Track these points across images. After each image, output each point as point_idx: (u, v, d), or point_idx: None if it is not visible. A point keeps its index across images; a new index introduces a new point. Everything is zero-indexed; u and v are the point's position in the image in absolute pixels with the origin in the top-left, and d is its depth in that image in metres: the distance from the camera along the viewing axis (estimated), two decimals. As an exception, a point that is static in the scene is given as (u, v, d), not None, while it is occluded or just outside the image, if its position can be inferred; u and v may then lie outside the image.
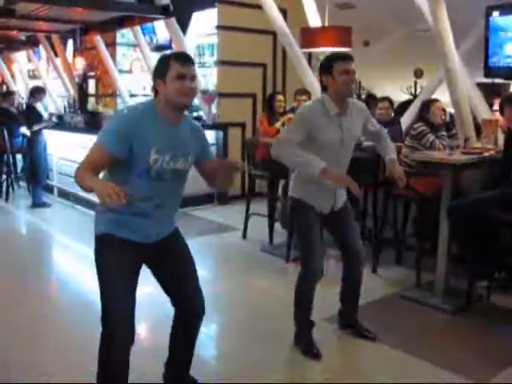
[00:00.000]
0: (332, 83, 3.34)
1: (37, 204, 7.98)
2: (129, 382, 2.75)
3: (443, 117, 5.22)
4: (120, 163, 2.50)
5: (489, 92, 7.15)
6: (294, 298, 3.62)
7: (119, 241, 2.61)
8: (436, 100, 5.35)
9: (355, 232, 3.70)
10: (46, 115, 9.66)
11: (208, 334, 4.04)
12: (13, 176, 8.73)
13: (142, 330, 3.94)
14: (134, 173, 2.52)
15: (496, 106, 7.02)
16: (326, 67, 3.36)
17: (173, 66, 2.49)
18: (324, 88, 3.43)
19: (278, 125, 6.17)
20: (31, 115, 8.06)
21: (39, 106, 8.36)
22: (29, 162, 8.38)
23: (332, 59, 3.36)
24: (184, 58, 2.54)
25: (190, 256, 2.85)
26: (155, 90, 2.58)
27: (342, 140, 3.38)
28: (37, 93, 8.27)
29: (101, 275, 2.64)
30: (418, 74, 10.96)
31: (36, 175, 8.10)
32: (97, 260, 2.66)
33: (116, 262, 2.62)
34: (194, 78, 2.53)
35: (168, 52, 2.50)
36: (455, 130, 5.31)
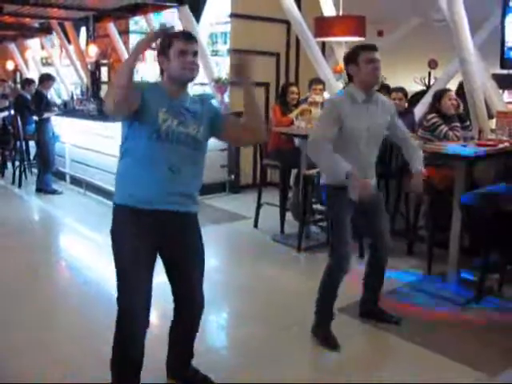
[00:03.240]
0: (358, 72, 3.40)
1: (46, 190, 8.02)
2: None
3: (457, 107, 5.17)
4: (134, 124, 2.60)
5: (504, 83, 7.07)
6: (318, 288, 3.63)
7: (128, 211, 2.64)
8: (448, 90, 5.28)
9: (385, 222, 3.72)
10: (58, 102, 9.72)
11: (218, 323, 4.06)
12: (25, 163, 8.77)
13: (155, 316, 3.97)
14: (145, 135, 2.59)
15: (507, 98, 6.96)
16: (352, 57, 3.42)
17: (176, 42, 2.61)
18: (350, 78, 3.50)
19: (292, 115, 6.12)
20: (40, 102, 8.07)
21: (48, 93, 8.37)
22: (38, 149, 8.39)
23: (357, 49, 3.42)
24: (187, 35, 2.67)
25: (201, 248, 2.83)
26: (161, 69, 2.70)
27: (369, 128, 3.42)
28: (46, 80, 8.27)
29: (114, 253, 2.68)
30: (432, 64, 10.86)
31: (46, 162, 8.12)
32: (111, 230, 2.72)
33: (125, 237, 2.65)
34: (195, 53, 2.65)
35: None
36: (468, 122, 5.26)
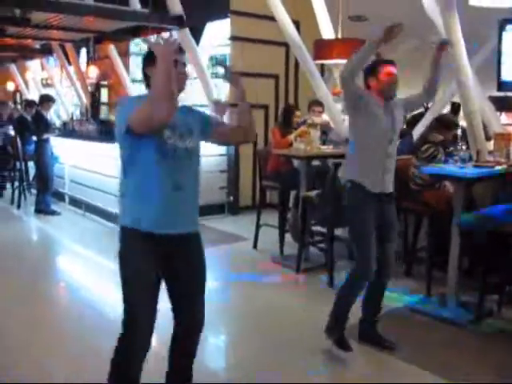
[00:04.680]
0: (376, 84, 3.62)
1: (45, 211, 8.02)
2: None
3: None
4: (139, 142, 2.55)
5: (501, 105, 7.13)
6: (338, 292, 3.75)
7: (139, 235, 2.61)
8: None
9: (393, 249, 3.79)
10: (58, 123, 9.76)
11: (217, 345, 4.05)
12: (25, 183, 8.78)
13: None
14: (151, 153, 2.56)
15: (505, 120, 7.01)
16: (372, 69, 3.63)
17: None
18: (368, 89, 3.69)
19: (291, 137, 6.14)
20: (40, 123, 8.10)
21: (48, 115, 8.42)
22: (37, 170, 8.41)
23: (377, 62, 3.66)
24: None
25: (204, 267, 2.83)
26: (147, 79, 2.67)
27: (392, 121, 3.63)
28: (45, 101, 8.32)
29: (121, 273, 2.66)
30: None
31: (45, 182, 8.12)
32: (119, 253, 2.69)
33: (136, 260, 2.63)
34: (184, 64, 2.68)
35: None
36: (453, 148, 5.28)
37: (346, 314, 3.71)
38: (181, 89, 2.66)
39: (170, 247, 2.67)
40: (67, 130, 9.35)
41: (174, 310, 2.83)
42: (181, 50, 2.67)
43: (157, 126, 2.50)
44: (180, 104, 2.76)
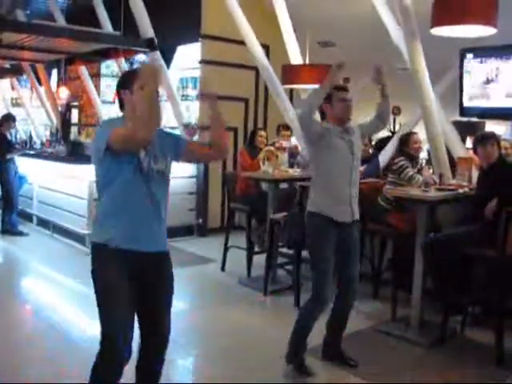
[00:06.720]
0: (331, 110, 3.68)
1: (11, 232, 7.90)
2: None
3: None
4: (116, 162, 2.62)
5: (465, 130, 7.31)
6: (295, 321, 3.73)
7: (110, 251, 2.65)
8: (413, 133, 5.52)
9: (357, 268, 3.81)
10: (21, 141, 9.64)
11: (185, 366, 4.05)
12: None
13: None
14: (128, 172, 2.65)
15: (469, 144, 7.20)
16: (326, 97, 3.64)
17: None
18: (323, 116, 3.78)
19: (260, 157, 6.21)
20: (2, 143, 7.99)
21: (17, 134, 8.29)
22: (2, 189, 8.23)
23: (331, 90, 3.66)
24: None
25: (172, 289, 2.89)
26: (121, 102, 2.78)
27: (351, 147, 3.67)
28: (5, 120, 8.21)
29: (96, 291, 2.68)
30: (396, 111, 11.15)
31: (10, 202, 8.00)
32: (91, 270, 2.72)
33: (107, 276, 2.66)
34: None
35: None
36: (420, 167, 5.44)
37: (304, 341, 3.74)
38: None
39: (140, 265, 2.71)
40: (38, 151, 9.27)
41: (140, 327, 2.84)
42: None
43: (137, 146, 2.58)
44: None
